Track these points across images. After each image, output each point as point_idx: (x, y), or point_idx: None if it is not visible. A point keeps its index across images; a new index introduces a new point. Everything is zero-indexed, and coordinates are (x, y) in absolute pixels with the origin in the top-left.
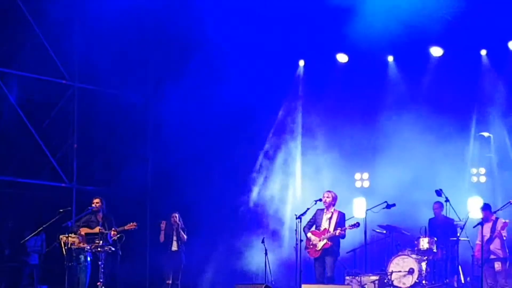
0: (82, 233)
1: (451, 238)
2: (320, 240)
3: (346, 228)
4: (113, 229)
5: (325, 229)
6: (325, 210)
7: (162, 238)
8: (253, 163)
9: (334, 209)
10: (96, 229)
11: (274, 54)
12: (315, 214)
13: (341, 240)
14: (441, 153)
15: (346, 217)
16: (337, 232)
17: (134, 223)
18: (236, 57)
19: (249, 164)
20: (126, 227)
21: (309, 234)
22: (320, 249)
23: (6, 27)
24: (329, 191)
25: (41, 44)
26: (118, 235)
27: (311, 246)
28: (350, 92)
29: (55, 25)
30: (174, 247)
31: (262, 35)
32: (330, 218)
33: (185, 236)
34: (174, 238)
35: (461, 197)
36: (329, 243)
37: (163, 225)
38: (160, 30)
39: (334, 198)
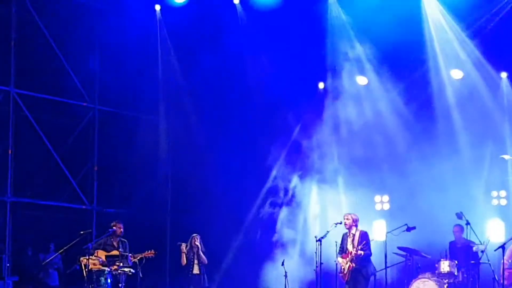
0: (101, 255)
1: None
2: (346, 263)
3: (360, 248)
4: (131, 255)
5: (349, 251)
6: (348, 233)
7: (183, 261)
8: (273, 185)
9: (356, 230)
10: (114, 252)
11: (294, 76)
12: (342, 238)
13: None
14: (461, 175)
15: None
16: (354, 252)
17: (152, 251)
18: (255, 80)
19: (269, 185)
20: (144, 255)
21: (338, 259)
22: (347, 272)
23: (28, 50)
24: (349, 214)
25: (62, 67)
26: (139, 258)
27: (342, 270)
28: (369, 113)
29: (76, 48)
30: (196, 270)
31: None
32: (353, 240)
33: (206, 260)
34: (195, 261)
35: (482, 220)
36: (352, 264)
37: (183, 247)
38: (179, 52)
39: (354, 220)
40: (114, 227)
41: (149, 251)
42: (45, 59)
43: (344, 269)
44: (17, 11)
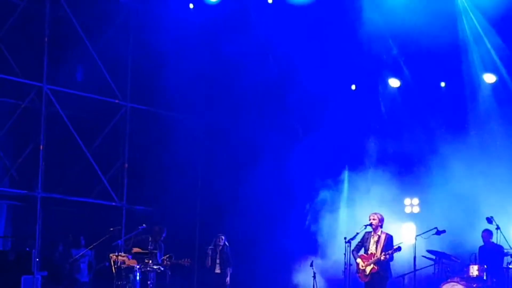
0: (133, 252)
1: None
2: (368, 265)
3: (389, 253)
4: (164, 258)
5: (371, 253)
6: (372, 233)
7: (208, 263)
8: (304, 186)
9: (381, 231)
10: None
11: (329, 75)
12: (363, 237)
13: (392, 263)
14: (492, 178)
15: (395, 242)
16: (382, 257)
17: (188, 260)
18: (291, 79)
19: (300, 186)
20: (180, 261)
21: (358, 260)
22: (369, 274)
23: (61, 46)
24: (375, 213)
25: (95, 64)
26: (168, 255)
27: (361, 271)
28: (401, 117)
29: (109, 45)
30: (217, 269)
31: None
32: (378, 242)
33: (229, 261)
34: (218, 260)
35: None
36: (376, 267)
37: (209, 251)
38: (213, 50)
39: (381, 220)
40: (158, 233)
41: (185, 260)
42: (77, 55)
43: (365, 270)
44: (51, 8)
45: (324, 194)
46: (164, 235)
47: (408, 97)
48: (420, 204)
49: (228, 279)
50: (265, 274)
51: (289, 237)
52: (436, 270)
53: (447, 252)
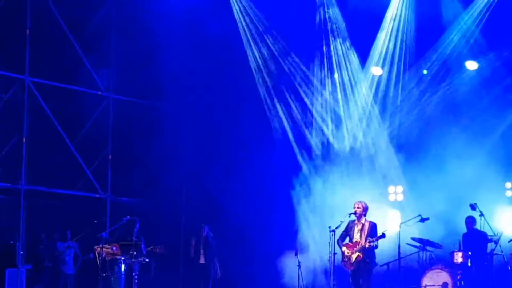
0: (115, 244)
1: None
2: (353, 253)
3: (373, 240)
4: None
5: (356, 241)
6: (356, 221)
7: (192, 253)
8: (289, 177)
9: (365, 220)
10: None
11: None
12: (347, 226)
13: (376, 251)
14: (476, 166)
15: (379, 230)
16: (367, 244)
17: (161, 247)
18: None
19: (285, 176)
20: (156, 250)
21: (343, 248)
22: (354, 261)
23: (43, 39)
24: (359, 201)
25: (76, 55)
26: (152, 247)
27: (346, 259)
28: (385, 104)
29: (91, 36)
30: (202, 260)
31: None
32: (362, 230)
33: (214, 251)
34: (202, 251)
35: (497, 211)
36: (361, 255)
37: (193, 242)
38: (197, 41)
39: (365, 208)
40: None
41: (160, 247)
42: (60, 47)
43: (351, 258)
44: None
45: (305, 183)
46: (137, 226)
47: (391, 85)
48: (404, 192)
49: (218, 271)
50: (251, 264)
51: (276, 226)
52: (421, 257)
53: (432, 239)
